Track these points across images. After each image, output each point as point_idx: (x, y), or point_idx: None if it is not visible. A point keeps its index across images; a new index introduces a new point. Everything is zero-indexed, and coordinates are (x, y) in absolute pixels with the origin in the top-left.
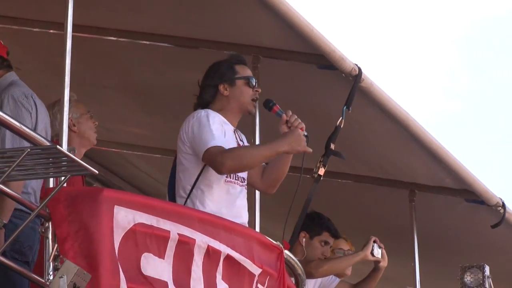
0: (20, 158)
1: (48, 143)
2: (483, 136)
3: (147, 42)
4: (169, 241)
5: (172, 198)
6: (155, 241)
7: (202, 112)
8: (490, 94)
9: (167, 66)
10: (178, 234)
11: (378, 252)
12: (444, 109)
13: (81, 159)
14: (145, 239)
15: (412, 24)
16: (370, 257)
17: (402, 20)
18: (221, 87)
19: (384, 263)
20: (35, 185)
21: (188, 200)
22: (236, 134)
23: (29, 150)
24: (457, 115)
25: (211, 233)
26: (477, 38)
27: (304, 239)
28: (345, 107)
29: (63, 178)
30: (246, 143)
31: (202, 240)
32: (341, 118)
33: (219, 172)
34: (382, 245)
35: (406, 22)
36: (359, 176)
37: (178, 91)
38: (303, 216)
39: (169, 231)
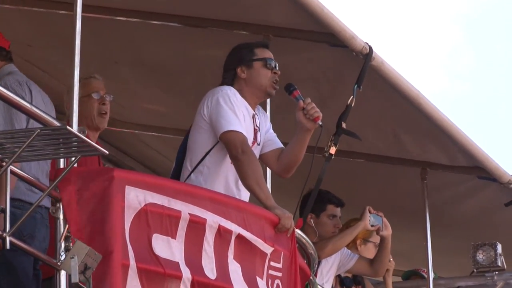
0: (31, 139)
1: (58, 124)
2: (489, 117)
3: (157, 22)
4: (180, 221)
5: (177, 170)
6: (167, 221)
7: (229, 90)
8: (495, 73)
9: (177, 45)
10: (189, 214)
11: (375, 221)
12: (447, 90)
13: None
14: (156, 219)
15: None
16: (369, 227)
17: None
18: (238, 70)
19: (386, 232)
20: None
21: (192, 175)
22: (254, 120)
23: (39, 130)
24: (460, 96)
25: (222, 212)
26: (480, 16)
27: (312, 220)
28: (356, 86)
29: (73, 158)
30: (265, 127)
31: (213, 220)
32: (352, 96)
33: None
34: (381, 214)
35: None
36: (370, 155)
37: (189, 70)
38: (314, 195)
39: (180, 211)
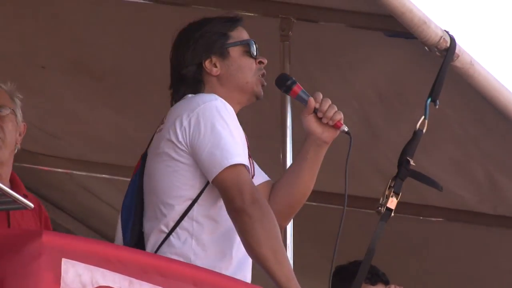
0: None
1: None
2: None
3: None
4: None
5: (133, 234)
6: None
7: (216, 102)
8: None
9: (141, 34)
10: None
11: None
12: None
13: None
14: None
15: None
16: None
17: None
18: (206, 64)
19: None
20: None
21: (172, 238)
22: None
23: None
24: None
25: None
26: None
27: None
28: (429, 100)
29: None
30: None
31: None
32: (423, 117)
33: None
34: None
35: None
36: (453, 211)
37: (155, 75)
38: (364, 272)
39: None
